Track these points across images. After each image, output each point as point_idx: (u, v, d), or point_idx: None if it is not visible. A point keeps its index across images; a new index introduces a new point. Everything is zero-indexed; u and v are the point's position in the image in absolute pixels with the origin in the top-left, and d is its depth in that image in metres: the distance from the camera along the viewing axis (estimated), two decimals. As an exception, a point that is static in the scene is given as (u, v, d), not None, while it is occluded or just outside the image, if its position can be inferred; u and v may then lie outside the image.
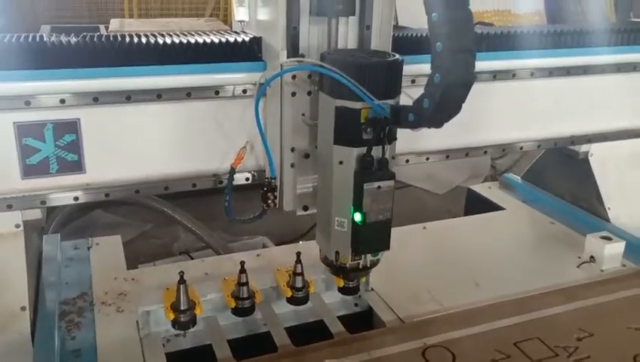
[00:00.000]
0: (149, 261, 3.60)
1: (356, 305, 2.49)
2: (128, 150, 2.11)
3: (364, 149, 1.83)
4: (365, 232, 1.88)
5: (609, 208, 3.02)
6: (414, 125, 1.72)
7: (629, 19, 3.77)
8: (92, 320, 2.27)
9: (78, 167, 2.04)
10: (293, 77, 1.98)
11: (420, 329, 2.20)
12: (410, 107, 1.71)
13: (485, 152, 2.66)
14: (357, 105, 1.80)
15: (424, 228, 3.07)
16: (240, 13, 2.30)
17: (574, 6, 4.40)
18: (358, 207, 1.85)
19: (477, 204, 3.46)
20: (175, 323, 2.15)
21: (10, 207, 2.01)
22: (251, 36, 2.19)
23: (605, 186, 3.04)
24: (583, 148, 2.99)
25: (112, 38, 2.07)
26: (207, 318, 2.28)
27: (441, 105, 1.63)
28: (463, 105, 1.74)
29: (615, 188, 3.05)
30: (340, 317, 2.34)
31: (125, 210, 4.48)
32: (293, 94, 2.00)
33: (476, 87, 2.46)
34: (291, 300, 2.30)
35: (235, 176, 2.18)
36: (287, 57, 1.97)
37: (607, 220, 3.01)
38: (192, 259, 3.55)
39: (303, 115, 2.01)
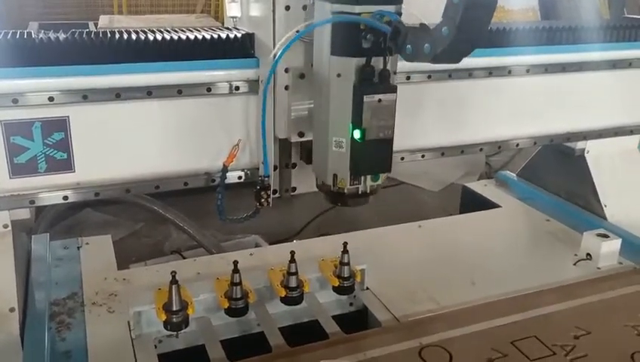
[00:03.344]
0: (140, 260, 3.57)
1: (351, 304, 2.46)
2: (118, 148, 2.08)
3: (363, 60, 1.74)
4: (365, 151, 1.80)
5: (605, 205, 3.02)
6: (431, 58, 1.57)
7: (623, 15, 3.76)
8: (83, 321, 2.24)
9: (67, 165, 2.02)
10: None
11: (416, 328, 2.18)
12: (425, 37, 1.57)
13: (481, 149, 2.64)
14: (356, 8, 1.71)
15: (419, 226, 3.05)
16: (232, 9, 2.26)
17: (568, 2, 4.40)
18: (357, 123, 1.76)
19: (472, 202, 3.45)
20: (167, 324, 2.11)
21: (-3, 207, 1.99)
22: (244, 32, 2.15)
23: (601, 183, 3.04)
24: (579, 145, 3.00)
25: (101, 35, 2.05)
26: (200, 319, 2.25)
27: (462, 30, 1.48)
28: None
29: (611, 185, 3.05)
30: (334, 317, 2.31)
31: (116, 209, 4.44)
32: (287, 8, 1.95)
33: (471, 84, 2.49)
34: (285, 300, 2.27)
35: (227, 174, 2.15)
36: None
37: (604, 217, 3.00)
38: (184, 258, 3.53)
39: (298, 31, 1.93)
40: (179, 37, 2.10)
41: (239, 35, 2.14)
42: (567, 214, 3.11)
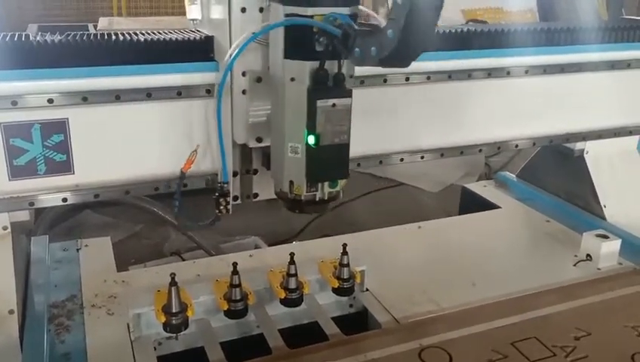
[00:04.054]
0: (139, 262, 3.56)
1: (351, 306, 2.46)
2: (118, 150, 2.08)
3: (317, 64, 1.72)
4: (320, 157, 1.77)
5: (605, 206, 3.01)
6: (377, 62, 1.53)
7: (621, 16, 3.76)
8: (82, 323, 2.23)
9: (66, 167, 2.02)
10: None
11: (416, 330, 2.18)
12: (372, 40, 1.54)
13: (480, 150, 2.64)
14: (307, 11, 1.68)
15: (419, 227, 3.05)
16: (192, 12, 2.20)
17: (566, 3, 4.39)
18: (311, 128, 1.74)
19: (472, 203, 3.45)
20: (167, 326, 2.11)
21: (-3, 209, 1.98)
22: (203, 35, 2.14)
23: (601, 184, 3.04)
24: (579, 145, 2.99)
25: (100, 37, 2.04)
26: (200, 321, 2.25)
27: (408, 32, 1.42)
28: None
29: (611, 185, 3.04)
30: (334, 319, 2.31)
31: (115, 211, 4.44)
32: (243, 10, 1.91)
33: (471, 85, 2.49)
34: (285, 301, 2.27)
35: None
36: None
37: (603, 218, 3.00)
38: (183, 259, 3.52)
39: (253, 33, 1.88)
40: (177, 38, 2.10)
41: (198, 38, 2.12)
42: (567, 215, 3.11)
